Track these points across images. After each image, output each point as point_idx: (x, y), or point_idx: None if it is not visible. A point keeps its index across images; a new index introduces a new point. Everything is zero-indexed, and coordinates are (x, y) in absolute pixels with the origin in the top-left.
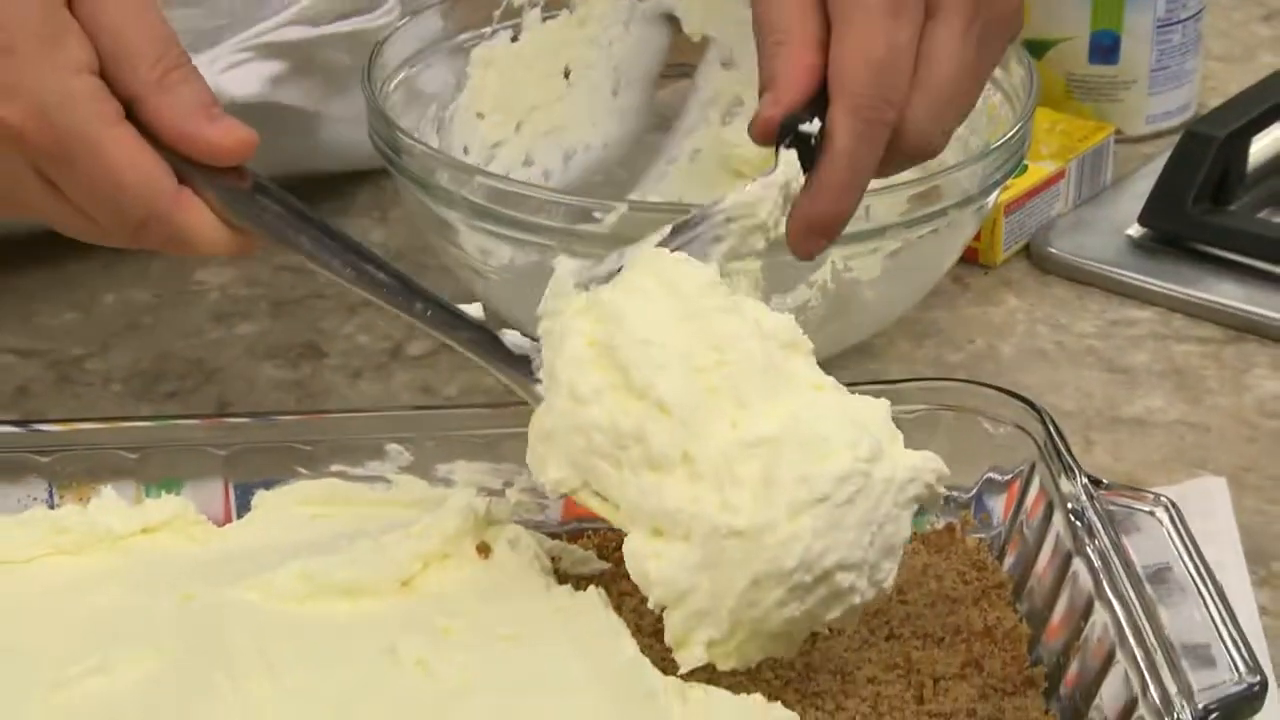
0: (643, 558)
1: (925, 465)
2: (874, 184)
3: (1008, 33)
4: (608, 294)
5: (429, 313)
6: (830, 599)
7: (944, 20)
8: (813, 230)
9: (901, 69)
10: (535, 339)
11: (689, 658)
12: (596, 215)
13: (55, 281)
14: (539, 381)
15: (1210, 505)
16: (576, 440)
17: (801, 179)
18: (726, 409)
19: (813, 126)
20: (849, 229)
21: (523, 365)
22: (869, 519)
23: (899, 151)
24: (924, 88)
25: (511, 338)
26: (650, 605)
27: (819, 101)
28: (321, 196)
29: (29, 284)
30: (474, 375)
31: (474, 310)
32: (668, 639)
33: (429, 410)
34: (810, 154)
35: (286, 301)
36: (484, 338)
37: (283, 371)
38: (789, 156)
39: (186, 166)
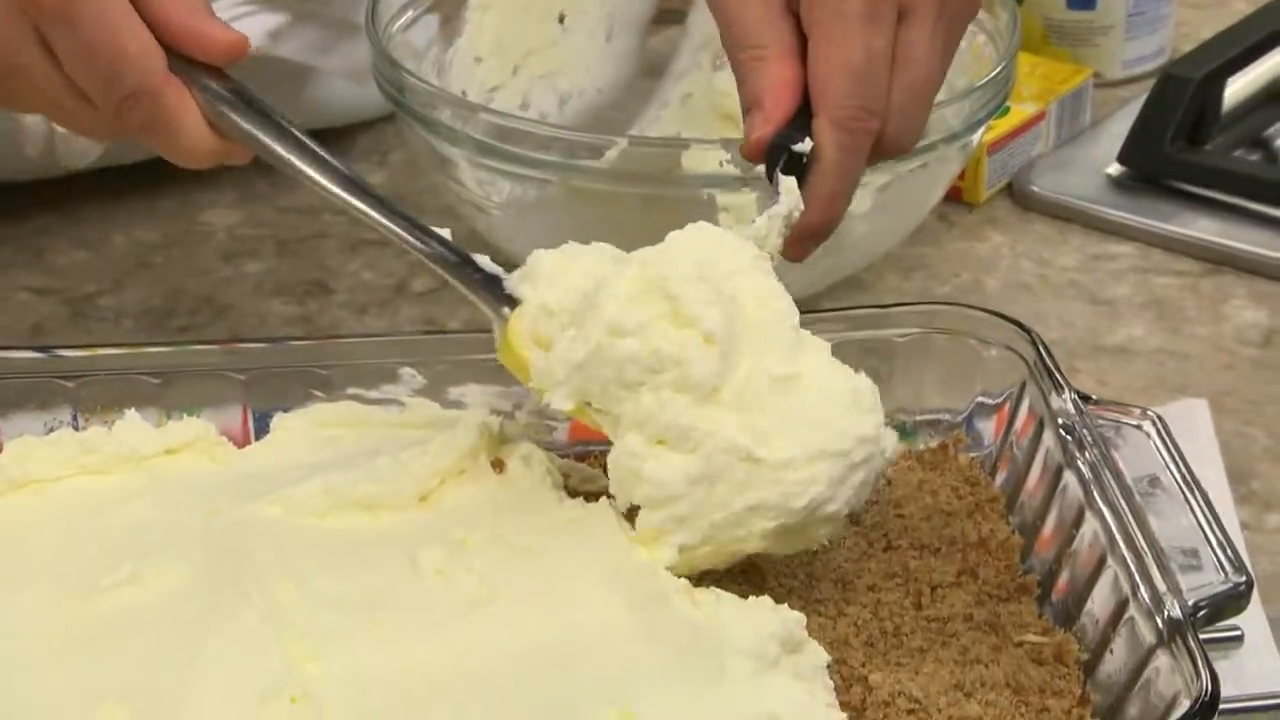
0: (641, 458)
1: (896, 444)
2: None
3: (968, 20)
4: (662, 245)
5: (403, 226)
6: (794, 538)
7: (916, 22)
8: (806, 238)
9: (880, 76)
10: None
11: (661, 557)
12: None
13: (64, 221)
14: (508, 302)
15: (1193, 425)
16: (605, 371)
17: (802, 206)
18: (759, 349)
19: (805, 146)
20: None
21: (494, 285)
22: (865, 481)
23: (879, 152)
24: (903, 91)
25: (483, 260)
26: (624, 499)
27: (802, 113)
28: (321, 142)
29: (38, 224)
30: (477, 310)
31: (445, 233)
32: (636, 533)
33: (440, 335)
34: (799, 168)
35: (292, 241)
36: (456, 254)
37: (290, 307)
38: (790, 185)
39: (178, 63)
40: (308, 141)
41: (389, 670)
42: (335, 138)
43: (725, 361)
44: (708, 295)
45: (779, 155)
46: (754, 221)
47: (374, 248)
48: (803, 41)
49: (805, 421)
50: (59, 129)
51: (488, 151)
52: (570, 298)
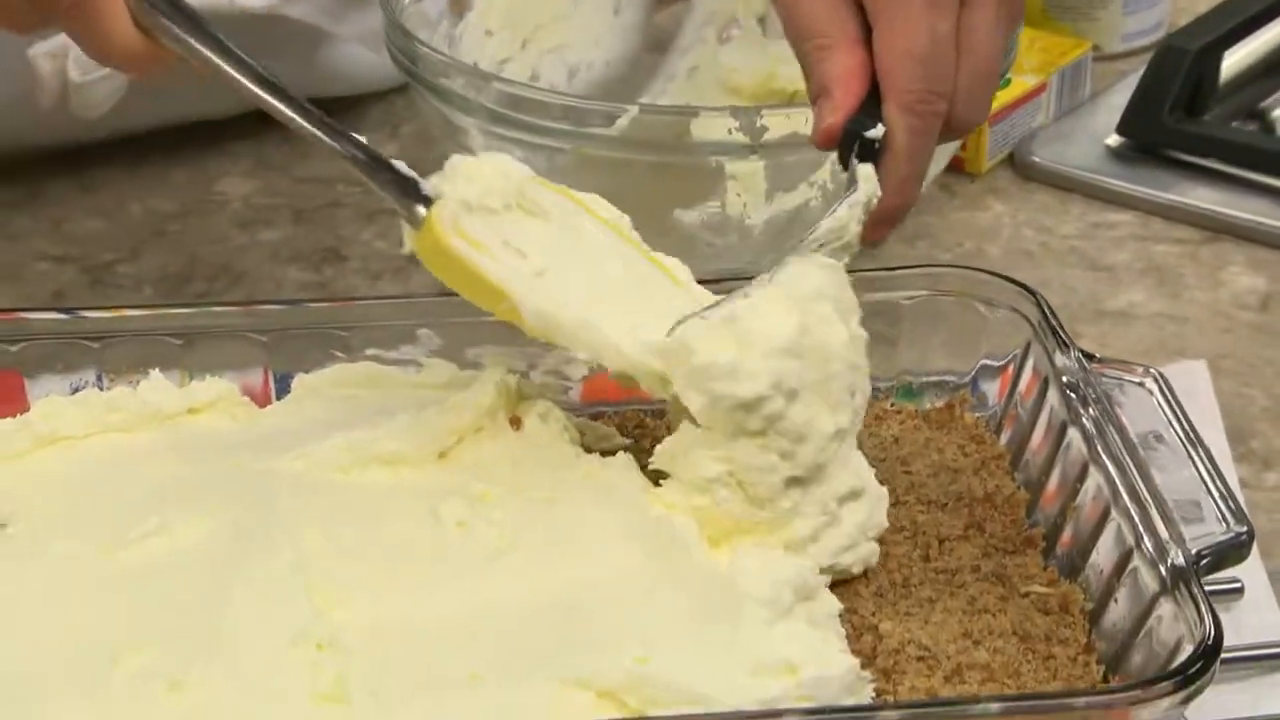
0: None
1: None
2: None
3: (1021, 9)
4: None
5: (321, 127)
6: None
7: (979, 5)
8: (883, 223)
9: (946, 60)
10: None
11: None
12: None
13: (80, 192)
14: (424, 201)
15: (1192, 385)
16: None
17: (879, 192)
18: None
19: (877, 132)
20: None
21: (410, 186)
22: None
23: (947, 133)
24: (969, 74)
25: (399, 164)
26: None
27: (871, 100)
28: (332, 113)
29: (54, 193)
30: None
31: (362, 139)
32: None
33: (457, 297)
34: (871, 154)
35: (307, 210)
36: (370, 157)
37: (306, 274)
38: (867, 172)
39: None
40: (232, 47)
41: (412, 618)
42: (347, 109)
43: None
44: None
45: (852, 142)
46: (834, 211)
47: (387, 216)
48: (867, 30)
49: None
50: (73, 77)
51: (501, 120)
52: (489, 197)
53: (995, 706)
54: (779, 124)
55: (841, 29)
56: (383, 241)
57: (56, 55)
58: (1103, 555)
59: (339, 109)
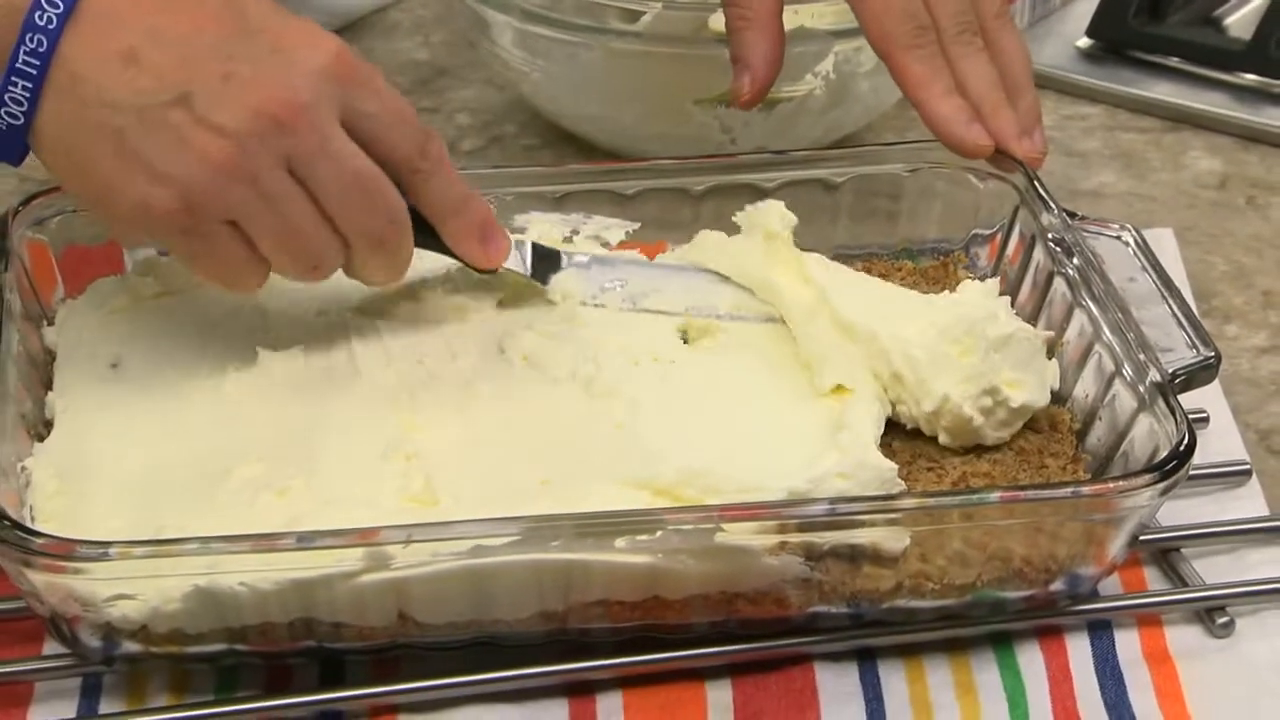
0: None
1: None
2: None
3: None
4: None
5: None
6: None
7: None
8: (1025, 131)
9: (919, 4)
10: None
11: None
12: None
13: None
14: None
15: (1161, 251)
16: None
17: None
18: None
19: None
20: (851, 26)
21: None
22: None
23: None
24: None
25: None
26: None
27: None
28: (369, 23)
29: None
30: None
31: None
32: None
33: (507, 169)
34: None
35: None
36: None
37: None
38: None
39: None
40: None
41: (486, 435)
42: (379, 18)
43: None
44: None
45: None
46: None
47: (426, 114)
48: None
49: None
50: None
51: (533, 19)
52: None
53: (995, 496)
54: (787, 18)
55: (761, 2)
56: None
57: None
58: (1088, 382)
59: (370, 22)
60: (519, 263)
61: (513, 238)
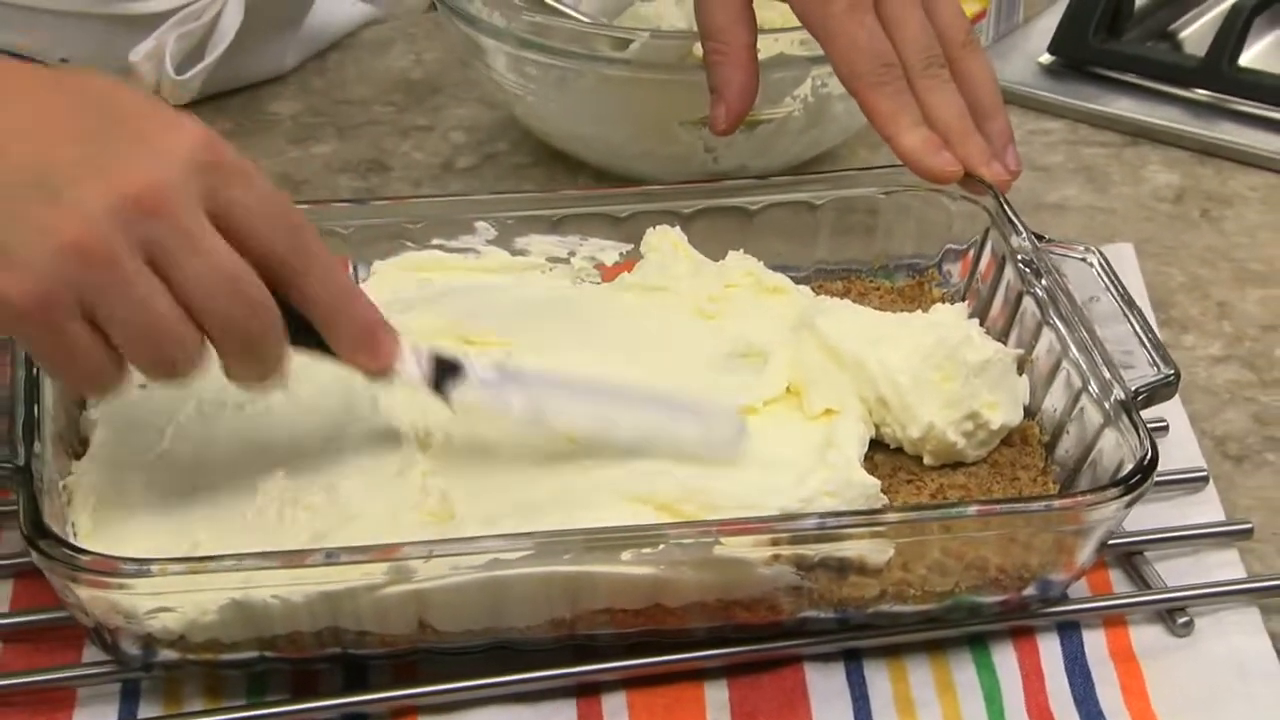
0: None
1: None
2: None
3: None
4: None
5: None
6: None
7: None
8: (1000, 152)
9: (882, 40)
10: None
11: None
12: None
13: None
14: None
15: (1121, 265)
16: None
17: None
18: None
19: None
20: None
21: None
22: None
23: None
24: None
25: None
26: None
27: None
28: (361, 40)
29: None
30: (515, 183)
31: None
32: None
33: (507, 195)
34: None
35: (349, 127)
36: None
37: (357, 182)
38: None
39: None
40: None
41: (498, 453)
42: (372, 35)
43: None
44: None
45: None
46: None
47: (421, 132)
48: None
49: None
50: (170, 73)
51: (526, 46)
52: None
53: (972, 509)
54: (767, 46)
55: (736, 39)
56: (419, 153)
57: (151, 57)
58: (1056, 397)
59: (362, 37)
60: (416, 372)
61: (411, 345)
